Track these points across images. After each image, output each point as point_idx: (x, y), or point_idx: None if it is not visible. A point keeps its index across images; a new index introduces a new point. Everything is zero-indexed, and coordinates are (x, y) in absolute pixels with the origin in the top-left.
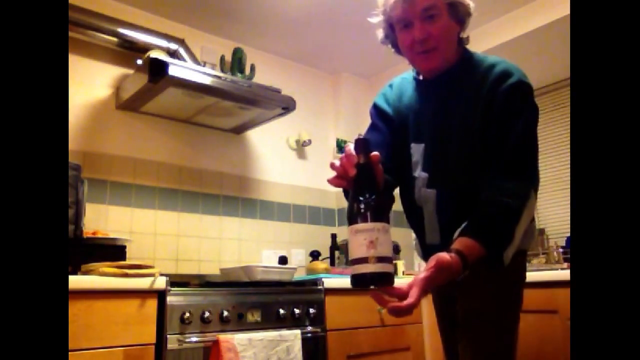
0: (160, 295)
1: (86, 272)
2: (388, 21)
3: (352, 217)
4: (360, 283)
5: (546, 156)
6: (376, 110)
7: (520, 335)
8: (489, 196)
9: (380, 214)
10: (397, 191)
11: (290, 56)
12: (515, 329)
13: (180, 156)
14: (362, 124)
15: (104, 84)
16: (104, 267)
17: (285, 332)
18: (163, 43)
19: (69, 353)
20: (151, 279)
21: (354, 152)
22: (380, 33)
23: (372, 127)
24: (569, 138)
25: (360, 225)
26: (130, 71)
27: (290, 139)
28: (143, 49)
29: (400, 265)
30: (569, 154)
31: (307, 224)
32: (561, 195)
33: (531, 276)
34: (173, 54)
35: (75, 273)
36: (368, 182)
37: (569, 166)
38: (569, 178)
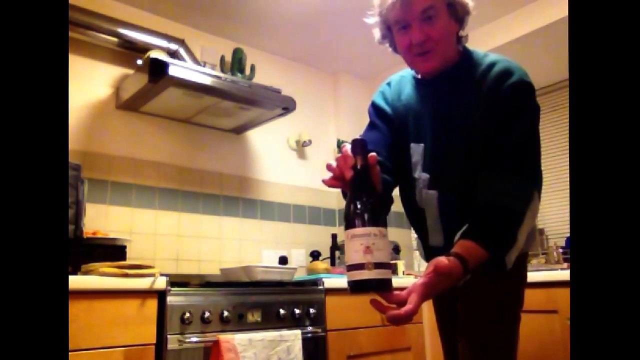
0: (161, 295)
1: (86, 272)
2: (385, 22)
3: (349, 221)
4: (358, 290)
5: (545, 157)
6: (374, 108)
7: (520, 335)
8: (491, 198)
9: (377, 218)
10: (396, 191)
11: (291, 56)
12: (515, 329)
13: (180, 156)
14: (362, 124)
15: (104, 84)
16: (104, 267)
17: (285, 332)
18: (163, 43)
19: (69, 353)
20: (151, 279)
21: (350, 153)
22: (377, 33)
23: (371, 126)
24: (568, 139)
25: (357, 230)
26: (131, 71)
27: (291, 139)
28: (143, 49)
29: (401, 265)
30: (568, 154)
31: (307, 224)
32: (561, 195)
33: (531, 276)
34: (173, 54)
35: (75, 273)
36: (365, 185)
37: (568, 167)
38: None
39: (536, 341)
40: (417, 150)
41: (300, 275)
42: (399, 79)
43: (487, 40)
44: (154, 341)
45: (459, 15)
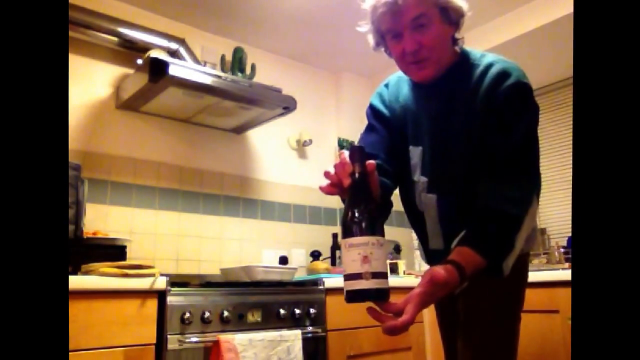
0: (161, 295)
1: (86, 273)
2: (377, 31)
3: (346, 229)
4: (355, 300)
5: (547, 156)
6: (372, 110)
7: (521, 335)
8: (489, 204)
9: (375, 227)
10: (397, 191)
11: (291, 55)
12: (516, 329)
13: (180, 156)
14: (363, 124)
15: (104, 83)
16: (104, 267)
17: (285, 332)
18: (163, 42)
19: (69, 353)
20: (151, 279)
21: (348, 160)
22: (371, 40)
23: (369, 129)
24: (570, 138)
25: (354, 239)
26: (131, 71)
27: (291, 139)
28: (143, 48)
29: (401, 265)
30: (570, 153)
31: (307, 223)
32: (562, 195)
33: (532, 276)
34: (173, 53)
35: (75, 273)
36: (363, 193)
37: (570, 166)
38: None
39: (537, 341)
40: (415, 153)
41: (300, 275)
42: (397, 79)
43: (488, 38)
44: (154, 341)
45: (453, 19)
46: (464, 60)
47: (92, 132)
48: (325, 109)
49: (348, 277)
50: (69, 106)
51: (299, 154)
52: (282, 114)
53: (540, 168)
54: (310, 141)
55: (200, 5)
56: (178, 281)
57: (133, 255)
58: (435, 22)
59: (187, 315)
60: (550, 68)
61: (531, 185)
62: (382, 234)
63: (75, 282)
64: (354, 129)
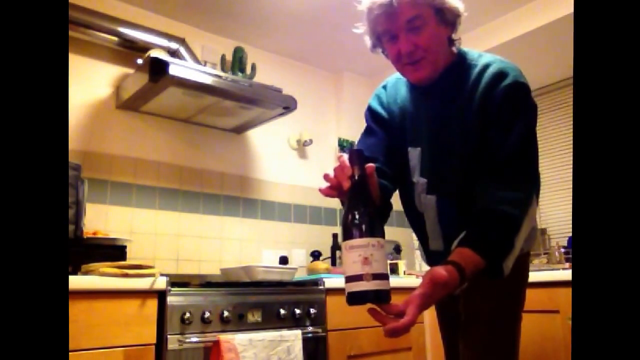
0: (161, 295)
1: (86, 273)
2: (374, 33)
3: (347, 231)
4: (356, 301)
5: (547, 156)
6: (371, 112)
7: (522, 335)
8: (489, 205)
9: (375, 228)
10: (397, 192)
11: (292, 55)
12: (517, 329)
13: (180, 156)
14: (363, 124)
15: (104, 83)
16: (104, 267)
17: (286, 333)
18: (163, 42)
19: (69, 353)
20: (151, 279)
21: (348, 163)
22: (368, 41)
23: (368, 131)
24: (570, 138)
25: (355, 241)
26: (131, 70)
27: (292, 139)
28: (143, 48)
29: (401, 265)
30: (570, 153)
31: (308, 223)
32: (563, 195)
33: (533, 276)
34: (173, 53)
35: (75, 273)
36: (362, 195)
37: (571, 166)
38: (571, 178)
39: (537, 341)
40: (414, 154)
41: (300, 275)
42: (395, 81)
43: (488, 38)
44: (154, 341)
45: (449, 20)
46: (461, 61)
47: (92, 132)
48: (325, 109)
49: (349, 279)
50: (69, 106)
51: (299, 154)
52: (282, 114)
53: (541, 168)
54: (311, 141)
55: (200, 5)
56: (178, 281)
57: (133, 255)
58: (431, 23)
59: (187, 315)
60: (550, 68)
61: (530, 185)
62: (383, 236)
63: (75, 282)
64: (354, 129)
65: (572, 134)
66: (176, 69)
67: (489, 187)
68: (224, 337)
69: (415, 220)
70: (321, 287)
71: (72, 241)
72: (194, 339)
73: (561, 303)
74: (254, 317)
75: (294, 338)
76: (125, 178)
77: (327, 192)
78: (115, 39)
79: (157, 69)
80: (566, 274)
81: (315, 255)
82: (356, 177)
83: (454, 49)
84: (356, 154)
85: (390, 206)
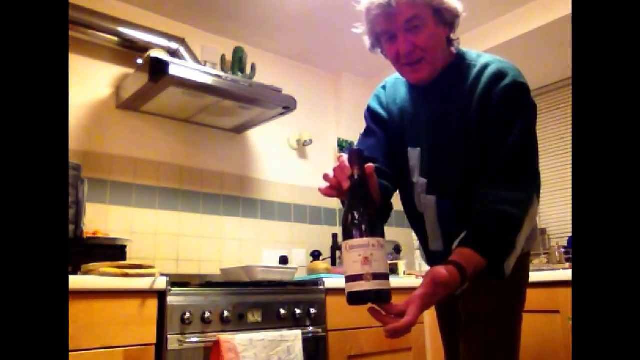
0: (161, 295)
1: (86, 272)
2: (373, 33)
3: (347, 231)
4: (357, 301)
5: (547, 156)
6: (370, 113)
7: (522, 335)
8: (489, 204)
9: (375, 228)
10: (396, 193)
11: (291, 55)
12: (517, 329)
13: (180, 156)
14: (363, 124)
15: (104, 83)
16: (104, 267)
17: (286, 333)
18: (163, 42)
19: (69, 353)
20: (151, 279)
21: (347, 164)
22: (367, 42)
23: (367, 132)
24: (570, 137)
25: (355, 241)
26: (131, 70)
27: (291, 139)
28: (143, 48)
29: (401, 265)
30: (570, 153)
31: (308, 223)
32: (563, 195)
33: (533, 276)
34: (173, 53)
35: (75, 273)
36: (362, 195)
37: (570, 166)
38: (571, 178)
39: (537, 341)
40: (414, 155)
41: (300, 275)
42: (394, 81)
43: (488, 38)
44: (154, 341)
45: (448, 20)
46: (460, 61)
47: (92, 132)
48: (325, 109)
49: (349, 279)
50: (69, 106)
51: (299, 153)
52: (282, 114)
53: (540, 168)
54: (311, 141)
55: (200, 5)
56: (178, 281)
57: (133, 255)
58: (429, 24)
59: (188, 315)
60: (549, 68)
61: (530, 184)
62: (383, 236)
63: (75, 282)
64: (354, 129)
65: (571, 134)
66: (176, 69)
67: (489, 187)
68: (224, 337)
69: (415, 220)
70: (321, 287)
71: (72, 241)
72: (194, 339)
73: (561, 303)
74: (254, 317)
75: (294, 338)
76: (125, 178)
77: (327, 192)
78: (115, 39)
79: (157, 69)
80: (566, 274)
81: (315, 255)
82: (356, 177)
83: (453, 49)
84: (356, 154)
85: (390, 206)
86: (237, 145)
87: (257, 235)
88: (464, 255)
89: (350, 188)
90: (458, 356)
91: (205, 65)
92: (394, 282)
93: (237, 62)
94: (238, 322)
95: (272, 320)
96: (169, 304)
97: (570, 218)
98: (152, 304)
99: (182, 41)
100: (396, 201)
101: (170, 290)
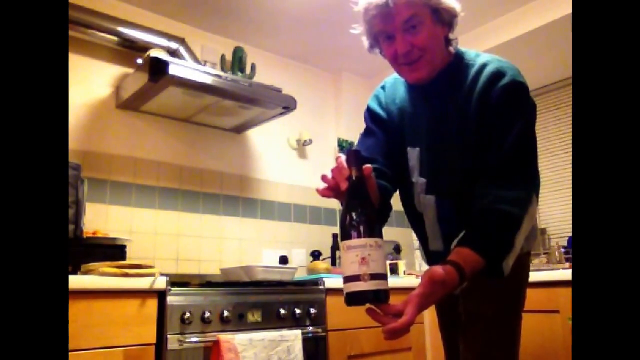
0: (161, 295)
1: (86, 272)
2: (371, 33)
3: (345, 232)
4: (355, 302)
5: (547, 156)
6: (370, 113)
7: (522, 335)
8: (488, 204)
9: (373, 229)
10: (396, 193)
11: (292, 55)
12: (517, 329)
13: (180, 156)
14: (363, 124)
15: (104, 83)
16: (104, 267)
17: (286, 333)
18: (163, 42)
19: (69, 353)
20: (151, 279)
21: (345, 165)
22: (366, 42)
23: (367, 132)
24: (570, 138)
25: (353, 242)
26: (131, 70)
27: (291, 139)
28: (143, 48)
29: (401, 265)
30: (570, 153)
31: (308, 223)
32: (563, 195)
33: (533, 276)
34: (173, 53)
35: (75, 273)
36: (360, 196)
37: (570, 166)
38: (571, 178)
39: (537, 341)
40: (413, 155)
41: (300, 275)
42: (394, 81)
43: (488, 39)
44: (154, 341)
45: (446, 20)
46: (459, 61)
47: (92, 131)
48: (325, 109)
49: (347, 280)
50: (69, 106)
51: (299, 153)
52: (282, 114)
53: (540, 168)
54: (311, 141)
55: (200, 5)
56: (178, 281)
57: (133, 255)
58: (427, 24)
59: (188, 315)
60: (549, 68)
61: (530, 184)
62: (381, 236)
63: (75, 282)
64: (354, 129)
65: (571, 134)
66: (176, 68)
67: (489, 187)
68: (224, 337)
69: (415, 220)
70: (321, 287)
71: (72, 241)
72: (194, 339)
73: (561, 303)
74: (254, 317)
75: (294, 338)
76: (125, 178)
77: (325, 193)
78: (115, 39)
79: (157, 68)
80: (566, 274)
81: (316, 255)
82: (354, 179)
83: (452, 49)
84: (354, 155)
85: (389, 207)
86: (237, 145)
87: (257, 235)
88: (462, 254)
89: (348, 189)
90: (458, 356)
91: (205, 65)
92: (395, 282)
93: (237, 62)
94: (238, 322)
95: (272, 320)
96: (169, 304)
97: (570, 218)
98: (152, 304)
99: (182, 41)
100: (396, 201)
101: (170, 290)
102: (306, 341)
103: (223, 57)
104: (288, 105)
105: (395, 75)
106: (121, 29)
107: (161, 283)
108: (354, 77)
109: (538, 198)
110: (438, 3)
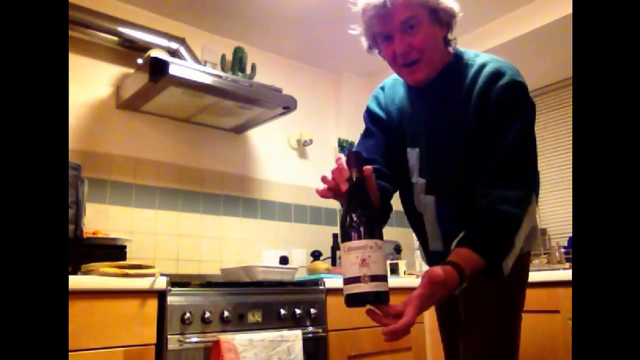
0: (161, 295)
1: (86, 272)
2: (369, 34)
3: (345, 233)
4: (355, 303)
5: (547, 156)
6: (369, 114)
7: (522, 335)
8: (488, 204)
9: (373, 230)
10: (396, 193)
11: (292, 55)
12: (517, 329)
13: (180, 156)
14: (363, 124)
15: (104, 83)
16: (104, 267)
17: (286, 333)
18: (163, 42)
19: (69, 353)
20: (151, 279)
21: (346, 166)
22: (364, 42)
23: (367, 133)
24: (570, 138)
25: (352, 243)
26: (131, 70)
27: (292, 139)
28: (143, 48)
29: (402, 265)
30: (571, 153)
31: (308, 223)
32: (563, 195)
33: (533, 276)
34: (174, 53)
35: (75, 273)
36: (360, 197)
37: (570, 166)
38: (571, 178)
39: (537, 341)
40: (413, 155)
41: (301, 275)
42: (393, 82)
43: (488, 39)
44: (154, 341)
45: (444, 20)
46: (458, 61)
47: (92, 131)
48: (325, 109)
49: (347, 281)
50: (69, 106)
51: (299, 153)
52: (282, 114)
53: (541, 168)
54: (311, 141)
55: (200, 5)
56: (178, 281)
57: (133, 255)
58: (425, 24)
59: (188, 315)
60: (549, 68)
61: (529, 184)
62: (381, 238)
63: (75, 282)
64: (354, 129)
65: (572, 134)
66: (176, 68)
67: (488, 187)
68: (224, 337)
69: (415, 220)
70: (321, 287)
71: (72, 241)
72: (194, 339)
73: (561, 303)
74: (254, 317)
75: (294, 338)
76: (125, 178)
77: (324, 194)
78: (115, 39)
79: (157, 68)
80: (566, 274)
81: (316, 255)
82: (354, 180)
83: (451, 49)
84: (354, 156)
85: (390, 208)
86: (237, 145)
87: (257, 235)
88: (461, 254)
89: (348, 190)
90: (458, 356)
91: (205, 65)
92: (395, 282)
93: (237, 62)
94: (238, 322)
95: (272, 321)
96: (169, 304)
97: (570, 218)
98: (152, 304)
99: (182, 41)
100: (396, 201)
101: (170, 290)
102: (306, 341)
103: (223, 57)
104: (288, 105)
105: (395, 75)
106: (121, 29)
107: (161, 283)
108: (354, 77)
109: (538, 198)
110: (436, 3)
